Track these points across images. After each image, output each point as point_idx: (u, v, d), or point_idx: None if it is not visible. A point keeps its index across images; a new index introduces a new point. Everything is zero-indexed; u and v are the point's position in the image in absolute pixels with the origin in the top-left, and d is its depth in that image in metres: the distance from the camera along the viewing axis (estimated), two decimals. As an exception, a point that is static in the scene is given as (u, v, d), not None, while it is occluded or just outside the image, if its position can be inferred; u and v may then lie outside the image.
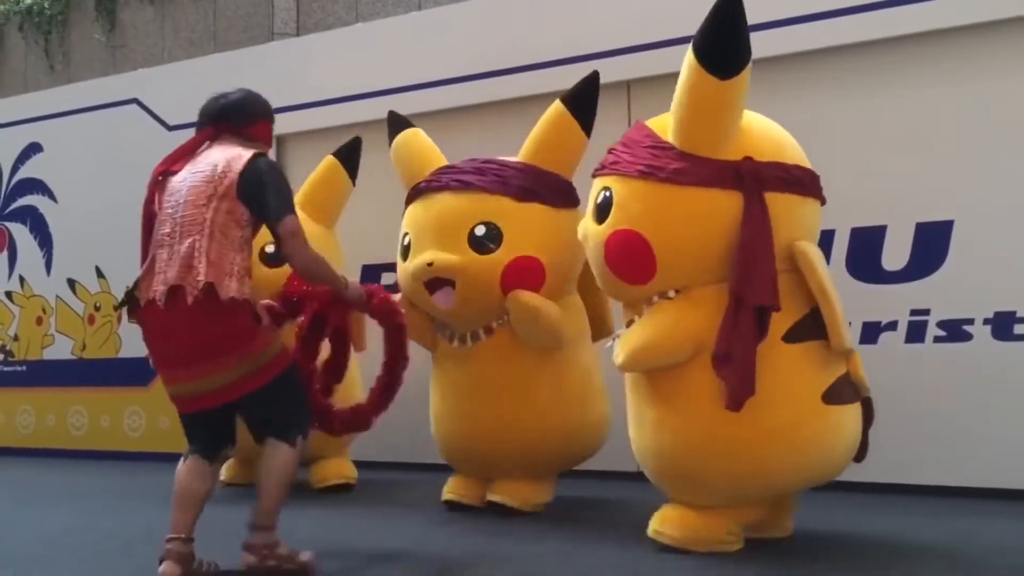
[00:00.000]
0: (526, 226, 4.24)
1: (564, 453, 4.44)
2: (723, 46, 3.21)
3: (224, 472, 5.56)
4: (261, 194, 3.27)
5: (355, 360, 5.32)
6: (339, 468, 5.34)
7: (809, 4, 5.07)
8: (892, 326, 4.93)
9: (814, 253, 3.40)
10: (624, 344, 3.50)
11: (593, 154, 4.06)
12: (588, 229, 3.66)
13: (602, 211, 3.55)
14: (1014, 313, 4.70)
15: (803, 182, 3.47)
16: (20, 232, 8.37)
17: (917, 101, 4.94)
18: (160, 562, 3.22)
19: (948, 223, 4.86)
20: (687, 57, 3.31)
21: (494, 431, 4.30)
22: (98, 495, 5.69)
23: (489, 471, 4.48)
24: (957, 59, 4.85)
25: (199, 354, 3.22)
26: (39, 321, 8.26)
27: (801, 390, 3.35)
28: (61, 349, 8.10)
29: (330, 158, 5.45)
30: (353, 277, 5.56)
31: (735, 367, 3.20)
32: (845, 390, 3.42)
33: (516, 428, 4.26)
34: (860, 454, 3.55)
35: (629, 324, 3.61)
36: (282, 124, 6.81)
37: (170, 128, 7.36)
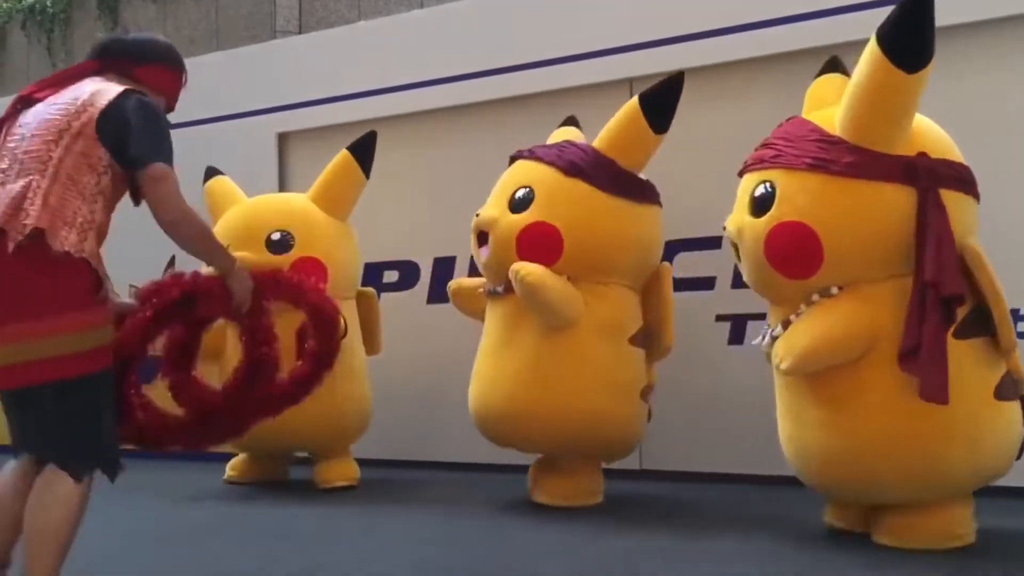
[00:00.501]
0: (559, 196, 4.32)
1: (591, 437, 4.35)
2: (912, 39, 3.14)
3: (227, 468, 5.57)
4: (124, 134, 2.67)
5: (361, 357, 5.34)
6: (343, 469, 5.32)
7: (807, 3, 5.06)
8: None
9: (983, 251, 3.39)
10: (790, 345, 3.39)
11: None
12: (744, 223, 3.57)
13: (762, 204, 3.49)
14: (1017, 311, 4.68)
15: (968, 180, 3.48)
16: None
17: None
18: None
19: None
20: (870, 49, 3.24)
21: (514, 393, 4.31)
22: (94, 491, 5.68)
23: (513, 439, 4.48)
24: (952, 56, 4.83)
25: (9, 313, 2.54)
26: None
27: (974, 386, 3.32)
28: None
29: (344, 152, 5.43)
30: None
31: (928, 358, 3.16)
32: (1010, 387, 3.43)
33: (534, 394, 4.26)
34: (1022, 451, 3.54)
35: (784, 325, 3.51)
36: (284, 122, 6.85)
37: (172, 127, 7.36)
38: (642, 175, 4.51)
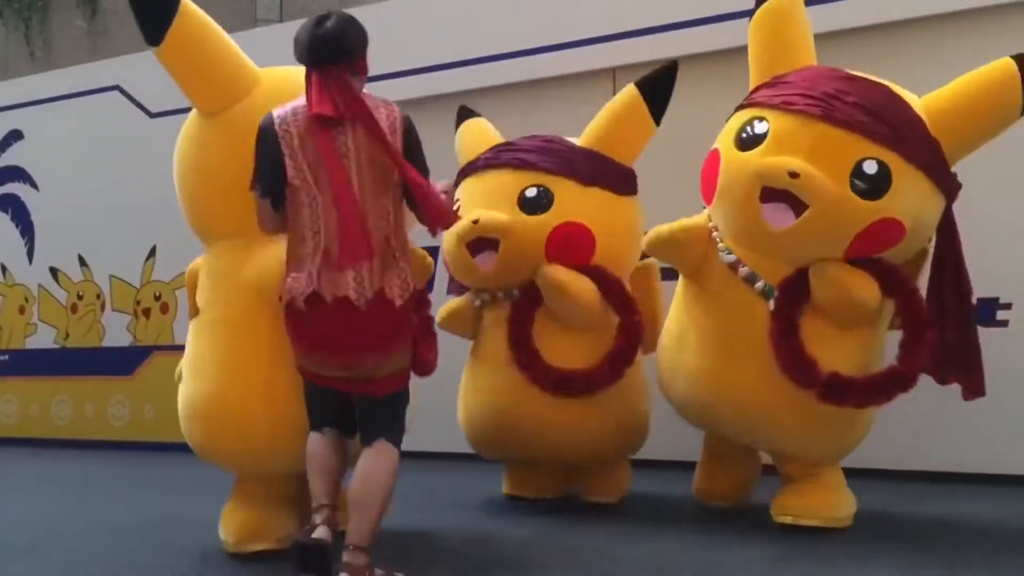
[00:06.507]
0: (581, 200, 4.10)
1: (617, 442, 4.23)
2: None
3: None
4: None
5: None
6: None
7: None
8: (876, 312, 4.95)
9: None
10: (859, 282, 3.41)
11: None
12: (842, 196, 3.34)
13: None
14: (997, 299, 4.73)
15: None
16: (2, 220, 8.30)
17: (903, 87, 4.93)
18: (308, 532, 2.89)
19: (932, 210, 4.87)
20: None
21: (554, 401, 4.01)
22: (83, 484, 5.67)
23: (541, 449, 4.20)
24: (942, 46, 4.86)
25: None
26: (21, 310, 8.20)
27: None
28: (44, 338, 8.06)
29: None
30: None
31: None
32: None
33: (578, 401, 4.01)
34: None
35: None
36: (266, 111, 6.80)
37: (152, 115, 7.31)
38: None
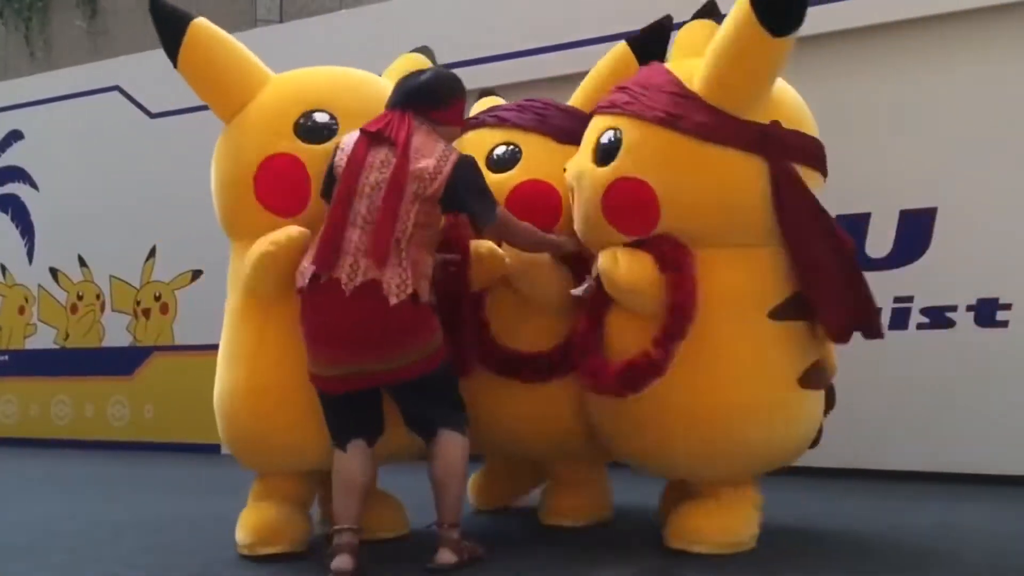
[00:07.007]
0: (553, 158, 3.68)
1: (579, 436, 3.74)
2: (783, 1, 2.99)
3: None
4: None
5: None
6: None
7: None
8: (876, 313, 4.95)
9: None
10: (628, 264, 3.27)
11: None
12: (584, 169, 3.37)
13: (606, 153, 3.30)
14: (997, 300, 4.73)
15: (819, 156, 3.37)
16: (1, 221, 8.30)
17: (901, 89, 4.96)
18: (330, 557, 3.09)
19: (931, 210, 4.88)
20: (739, 7, 3.04)
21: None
22: (83, 484, 5.67)
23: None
24: (941, 46, 4.86)
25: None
26: (21, 310, 8.21)
27: (780, 369, 3.25)
28: (44, 338, 8.06)
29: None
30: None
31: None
32: (817, 376, 3.35)
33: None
34: (816, 440, 3.51)
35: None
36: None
37: (153, 116, 7.30)
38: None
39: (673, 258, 3.20)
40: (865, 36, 5.01)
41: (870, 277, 4.72)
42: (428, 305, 3.15)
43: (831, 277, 3.24)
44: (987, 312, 4.74)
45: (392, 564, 3.29)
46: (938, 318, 4.85)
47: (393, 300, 3.03)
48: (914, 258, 4.91)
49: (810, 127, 3.39)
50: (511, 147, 3.78)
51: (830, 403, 3.52)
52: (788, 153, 3.21)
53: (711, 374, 3.18)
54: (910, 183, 4.92)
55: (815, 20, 4.97)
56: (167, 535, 3.97)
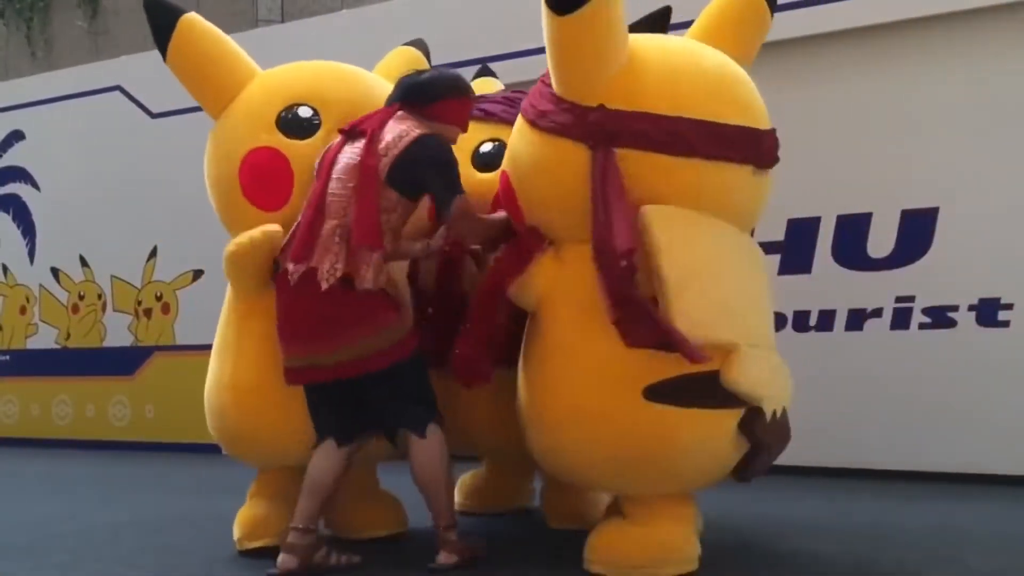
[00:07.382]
0: None
1: None
2: None
3: None
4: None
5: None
6: None
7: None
8: (877, 313, 4.95)
9: (659, 219, 2.84)
10: None
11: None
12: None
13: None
14: (998, 299, 4.72)
15: (683, 141, 2.88)
16: (3, 221, 8.30)
17: (903, 89, 4.95)
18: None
19: (933, 210, 4.87)
20: None
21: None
22: (83, 484, 5.67)
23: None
24: (942, 46, 4.86)
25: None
26: (23, 310, 8.20)
27: (621, 377, 2.86)
28: (45, 338, 8.06)
29: None
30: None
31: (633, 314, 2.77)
32: (688, 391, 2.81)
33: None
34: (744, 473, 3.01)
35: None
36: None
37: (154, 115, 7.30)
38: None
39: (525, 249, 3.11)
40: (866, 36, 5.00)
41: (872, 277, 4.74)
42: (380, 293, 3.04)
43: (609, 278, 2.83)
44: (989, 312, 4.73)
45: (393, 564, 3.30)
46: (940, 318, 4.84)
47: (324, 285, 3.00)
48: (916, 258, 4.91)
49: (694, 107, 2.93)
50: (498, 144, 3.61)
51: (754, 433, 2.90)
52: (617, 139, 2.88)
53: (550, 373, 3.01)
54: (912, 183, 4.91)
55: (815, 20, 5.03)
56: (167, 535, 3.97)
